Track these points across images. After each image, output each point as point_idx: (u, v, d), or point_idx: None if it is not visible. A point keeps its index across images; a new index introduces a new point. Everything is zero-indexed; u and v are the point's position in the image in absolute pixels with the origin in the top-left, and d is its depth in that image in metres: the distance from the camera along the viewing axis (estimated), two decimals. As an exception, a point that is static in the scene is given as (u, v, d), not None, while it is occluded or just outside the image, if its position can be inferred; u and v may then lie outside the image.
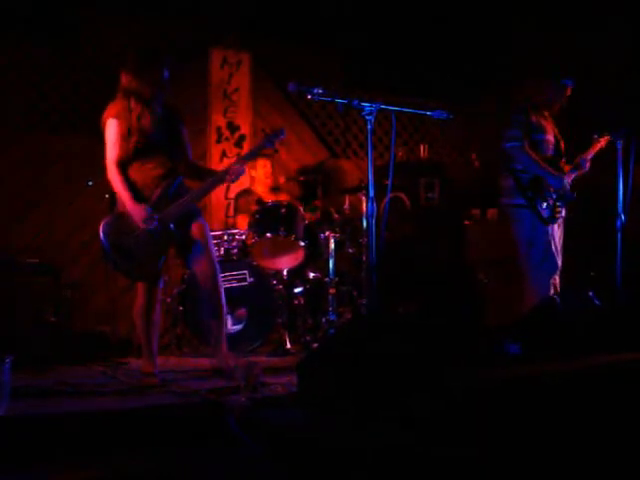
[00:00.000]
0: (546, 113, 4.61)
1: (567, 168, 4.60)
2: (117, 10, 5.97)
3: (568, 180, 4.56)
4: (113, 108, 3.84)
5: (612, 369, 2.49)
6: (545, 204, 4.47)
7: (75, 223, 5.92)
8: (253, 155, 4.44)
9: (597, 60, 5.74)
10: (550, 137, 4.58)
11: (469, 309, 4.70)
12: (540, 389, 2.36)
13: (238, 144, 6.59)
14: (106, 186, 5.27)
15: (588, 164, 4.64)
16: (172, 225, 3.85)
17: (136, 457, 2.47)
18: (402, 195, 6.28)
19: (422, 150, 6.89)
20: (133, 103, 3.82)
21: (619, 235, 4.28)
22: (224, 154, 6.54)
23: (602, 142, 4.65)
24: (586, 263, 5.65)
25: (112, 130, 3.82)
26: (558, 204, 4.52)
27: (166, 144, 3.92)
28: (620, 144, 4.39)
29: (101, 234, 3.78)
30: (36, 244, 5.69)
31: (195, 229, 3.96)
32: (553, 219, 4.50)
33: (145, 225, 3.76)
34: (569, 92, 4.57)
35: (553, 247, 4.50)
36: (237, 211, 5.92)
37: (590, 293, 3.52)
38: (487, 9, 6.38)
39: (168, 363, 4.79)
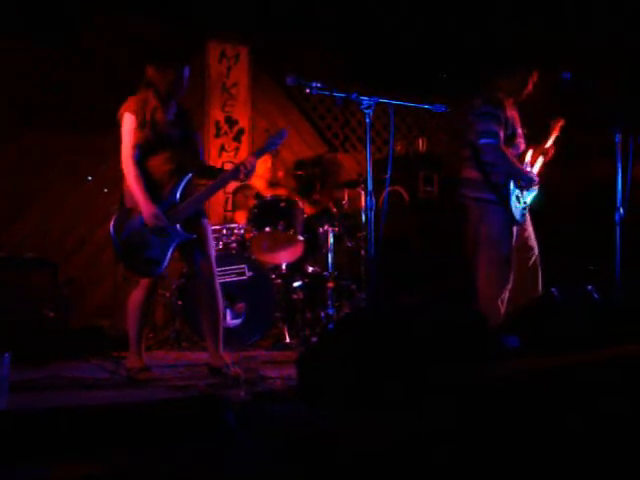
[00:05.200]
0: (511, 101, 4.46)
1: (536, 156, 4.53)
2: (115, 6, 5.95)
3: (536, 171, 4.51)
4: (131, 102, 3.87)
5: (612, 363, 2.49)
6: (518, 204, 4.36)
7: (72, 219, 5.93)
8: (259, 155, 4.45)
9: (597, 59, 5.75)
10: (520, 130, 4.47)
11: (468, 303, 4.69)
12: (538, 383, 2.36)
13: (237, 138, 6.59)
14: (104, 182, 5.30)
15: (552, 150, 4.57)
16: (179, 225, 3.86)
17: (135, 452, 2.47)
18: (401, 189, 6.27)
19: (421, 144, 6.87)
20: (151, 96, 3.85)
21: (618, 229, 4.26)
22: (222, 148, 6.54)
23: (557, 126, 4.59)
24: (585, 257, 5.65)
25: (128, 124, 3.83)
26: (527, 202, 4.45)
27: (176, 142, 3.93)
28: (618, 137, 4.36)
29: (111, 230, 3.78)
30: (34, 239, 5.69)
31: (199, 229, 3.97)
32: (523, 218, 4.43)
33: (154, 224, 3.77)
34: (535, 78, 4.44)
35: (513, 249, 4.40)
36: (236, 206, 5.91)
37: (589, 287, 3.51)
38: (487, 6, 6.38)
39: (167, 358, 4.79)
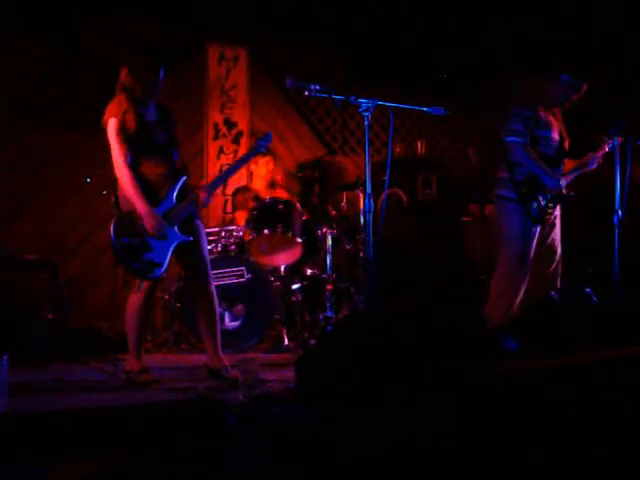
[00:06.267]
0: (555, 110, 4.50)
1: (570, 165, 4.53)
2: (115, 6, 5.96)
3: (566, 180, 4.49)
4: (112, 107, 3.84)
5: (611, 364, 2.49)
6: (536, 204, 4.34)
7: (72, 219, 5.93)
8: (246, 159, 4.48)
9: (597, 59, 5.75)
10: (555, 135, 4.45)
11: (467, 305, 4.69)
12: (538, 384, 2.36)
13: (235, 141, 6.59)
14: (104, 183, 5.29)
15: (597, 163, 4.54)
16: (176, 227, 3.86)
17: (134, 454, 2.47)
18: (400, 191, 6.28)
19: (419, 146, 6.88)
20: (124, 99, 3.83)
21: (617, 231, 4.27)
22: (221, 150, 6.54)
23: (610, 144, 4.57)
24: (584, 259, 5.65)
25: (113, 130, 3.81)
26: (550, 205, 4.40)
27: (164, 144, 3.93)
28: (617, 140, 4.37)
29: (111, 234, 3.77)
30: (34, 240, 5.69)
31: (194, 230, 3.97)
32: (542, 220, 4.39)
33: (154, 229, 3.76)
34: (584, 90, 4.48)
35: (532, 250, 4.36)
36: (235, 208, 5.91)
37: (587, 290, 3.52)
38: (487, 6, 6.38)
39: (166, 360, 4.79)
